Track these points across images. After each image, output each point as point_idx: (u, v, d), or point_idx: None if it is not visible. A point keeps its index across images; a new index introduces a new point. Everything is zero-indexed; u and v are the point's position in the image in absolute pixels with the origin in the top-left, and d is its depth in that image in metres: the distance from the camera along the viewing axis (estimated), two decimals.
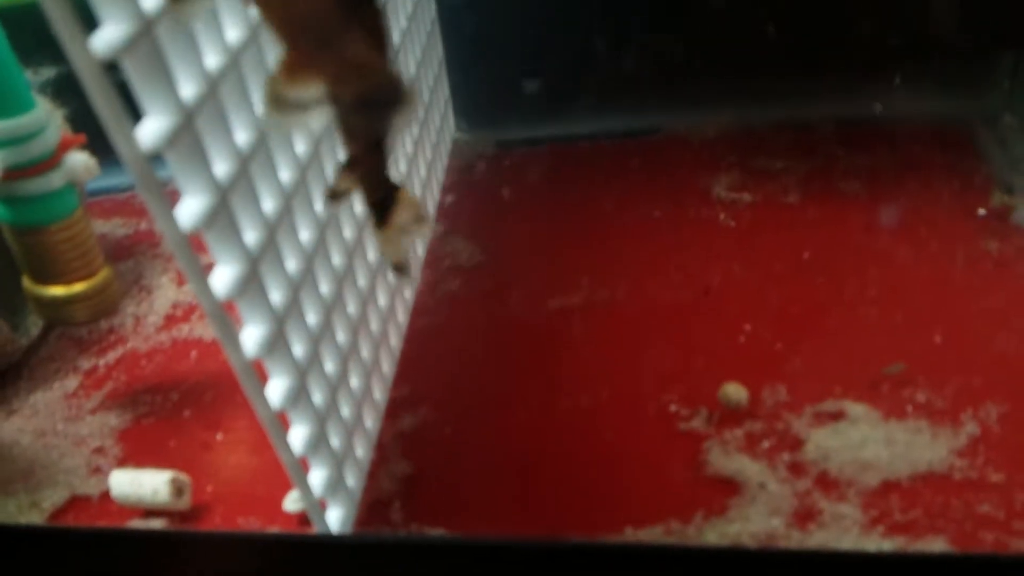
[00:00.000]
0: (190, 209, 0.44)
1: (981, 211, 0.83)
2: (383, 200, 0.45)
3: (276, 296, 0.52)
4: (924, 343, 0.69)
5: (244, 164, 0.48)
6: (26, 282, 0.68)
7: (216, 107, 0.45)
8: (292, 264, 0.55)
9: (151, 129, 0.41)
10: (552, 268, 0.83)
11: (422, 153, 0.86)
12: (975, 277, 0.75)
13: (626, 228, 0.88)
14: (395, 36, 0.78)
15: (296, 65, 0.38)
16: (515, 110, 1.05)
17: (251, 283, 0.49)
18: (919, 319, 0.71)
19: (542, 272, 0.83)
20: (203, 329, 0.82)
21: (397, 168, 0.76)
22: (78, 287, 0.67)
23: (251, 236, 0.49)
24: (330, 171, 0.61)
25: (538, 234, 0.89)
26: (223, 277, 0.47)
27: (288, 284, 0.53)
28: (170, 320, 0.84)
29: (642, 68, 1.00)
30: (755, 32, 0.96)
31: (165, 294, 0.87)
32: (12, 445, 0.70)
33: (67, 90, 0.81)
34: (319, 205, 0.58)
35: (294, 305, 0.54)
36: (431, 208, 0.90)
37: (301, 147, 0.57)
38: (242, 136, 0.49)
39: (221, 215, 0.45)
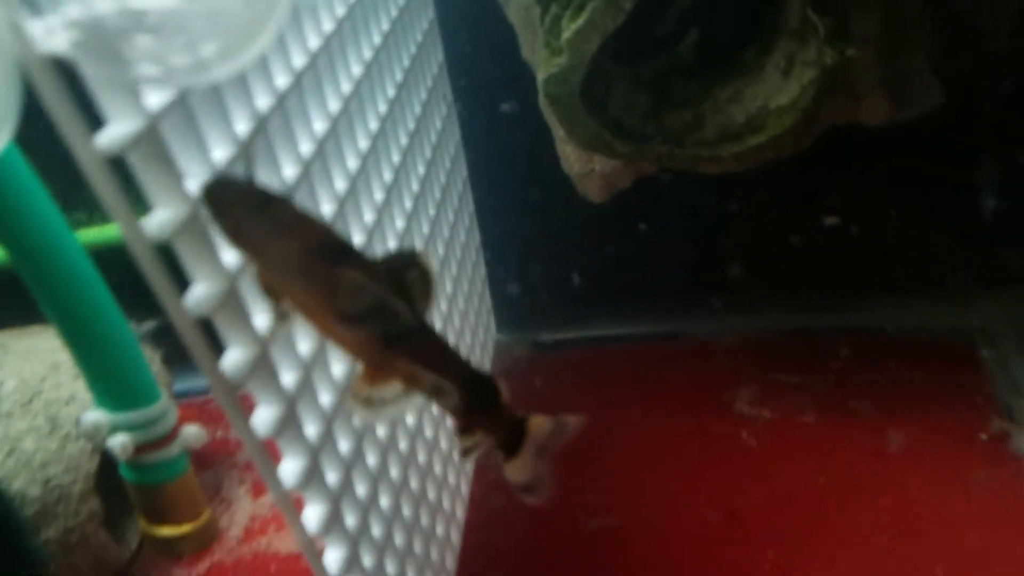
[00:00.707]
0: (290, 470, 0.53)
1: (983, 436, 0.91)
2: (512, 436, 0.48)
3: (368, 560, 0.62)
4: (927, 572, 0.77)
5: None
6: (142, 522, 0.79)
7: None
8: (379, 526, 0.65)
9: (233, 360, 0.46)
10: (588, 483, 0.91)
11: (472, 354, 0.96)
12: (976, 508, 0.82)
13: (654, 443, 0.95)
14: (451, 261, 0.89)
15: (370, 373, 0.43)
16: (549, 314, 1.15)
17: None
18: (925, 552, 0.79)
19: (579, 487, 0.91)
20: (280, 543, 0.92)
21: None
22: (185, 527, 0.79)
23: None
24: None
25: (573, 445, 0.98)
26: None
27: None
28: (249, 533, 0.93)
29: (667, 276, 1.11)
30: (770, 245, 1.06)
31: (243, 507, 0.97)
32: None
33: (161, 337, 0.94)
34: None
35: (384, 552, 0.63)
36: None
37: None
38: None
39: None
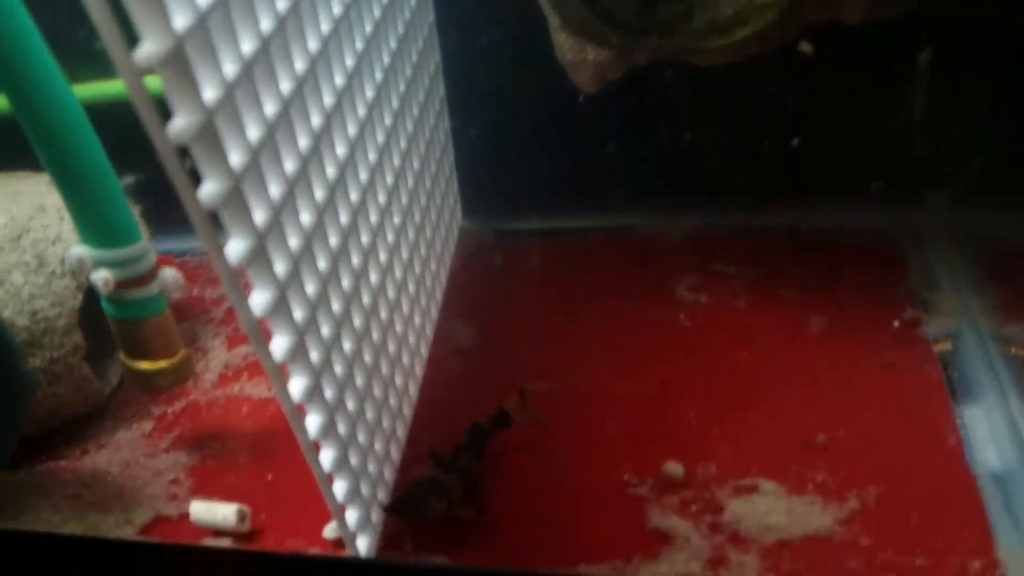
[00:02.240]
0: (259, 300, 0.61)
1: (895, 323, 1.01)
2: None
3: (329, 393, 0.69)
4: (829, 435, 0.86)
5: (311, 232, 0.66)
6: (122, 356, 0.87)
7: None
8: (339, 368, 0.73)
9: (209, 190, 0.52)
10: (535, 354, 1.00)
11: (434, 245, 1.03)
12: (879, 381, 0.91)
13: (603, 321, 1.03)
14: (419, 140, 0.95)
15: None
16: (513, 203, 1.22)
17: (316, 387, 0.66)
18: (828, 416, 0.88)
19: (526, 357, 0.99)
20: (252, 388, 1.00)
21: (413, 261, 0.94)
22: (162, 363, 0.87)
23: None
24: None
25: (526, 321, 1.05)
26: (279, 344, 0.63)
27: (337, 382, 0.71)
28: (223, 379, 1.02)
29: (623, 172, 1.17)
30: (721, 146, 1.12)
31: (218, 356, 1.05)
32: (105, 473, 0.88)
33: (141, 192, 1.00)
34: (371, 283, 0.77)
35: (340, 399, 0.71)
36: (438, 294, 1.08)
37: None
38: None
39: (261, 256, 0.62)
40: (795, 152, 1.09)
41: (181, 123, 0.50)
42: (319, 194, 0.68)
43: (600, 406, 0.92)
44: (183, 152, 0.50)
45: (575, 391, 0.94)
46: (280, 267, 0.61)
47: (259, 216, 0.58)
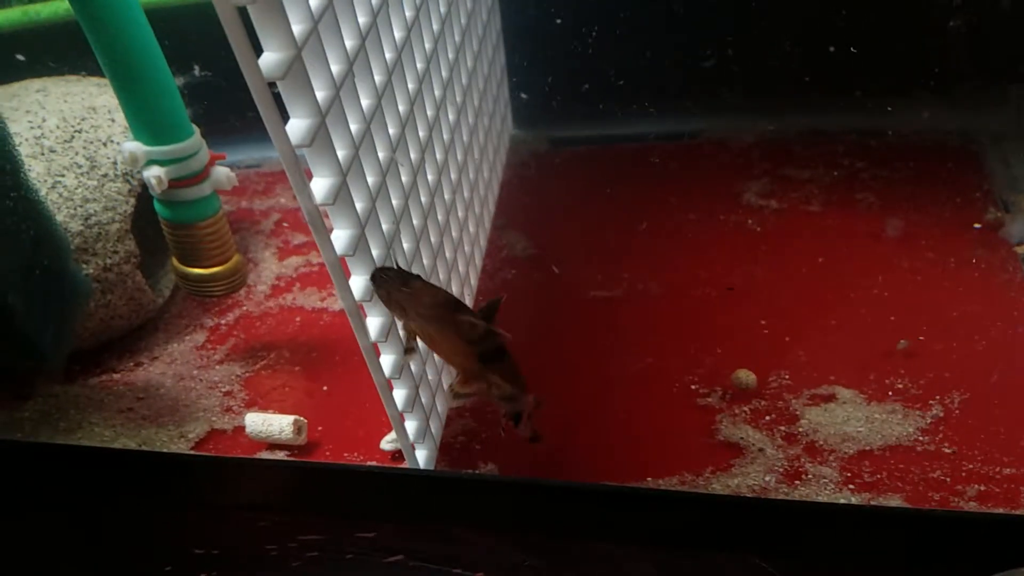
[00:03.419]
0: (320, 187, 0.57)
1: (976, 225, 0.95)
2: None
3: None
4: (910, 341, 0.82)
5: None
6: (174, 262, 0.84)
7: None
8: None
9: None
10: (595, 263, 0.96)
11: (486, 152, 0.99)
12: (960, 285, 0.87)
13: (663, 228, 1.00)
14: (470, 49, 0.91)
15: (462, 381, 0.65)
16: (568, 111, 1.16)
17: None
18: (907, 321, 0.84)
19: (586, 266, 0.95)
20: (304, 299, 0.98)
21: (467, 165, 0.90)
22: (216, 269, 0.84)
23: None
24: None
25: (585, 230, 1.02)
26: (358, 283, 0.61)
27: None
28: (276, 289, 1.00)
29: (687, 77, 1.12)
30: (791, 49, 1.06)
31: (269, 267, 1.03)
32: (158, 386, 0.87)
33: (190, 95, 0.97)
34: (423, 197, 0.74)
35: None
36: (491, 203, 1.04)
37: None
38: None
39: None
40: (867, 48, 1.03)
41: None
42: (378, 78, 0.64)
43: (665, 314, 0.89)
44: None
45: (637, 300, 0.91)
46: (341, 152, 0.58)
47: (320, 95, 0.55)
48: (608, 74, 1.13)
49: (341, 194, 0.57)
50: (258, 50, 0.49)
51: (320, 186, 0.56)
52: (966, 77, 1.03)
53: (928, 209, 0.97)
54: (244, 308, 0.97)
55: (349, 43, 0.59)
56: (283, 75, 0.48)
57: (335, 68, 0.57)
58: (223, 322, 0.96)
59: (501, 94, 1.09)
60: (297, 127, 0.53)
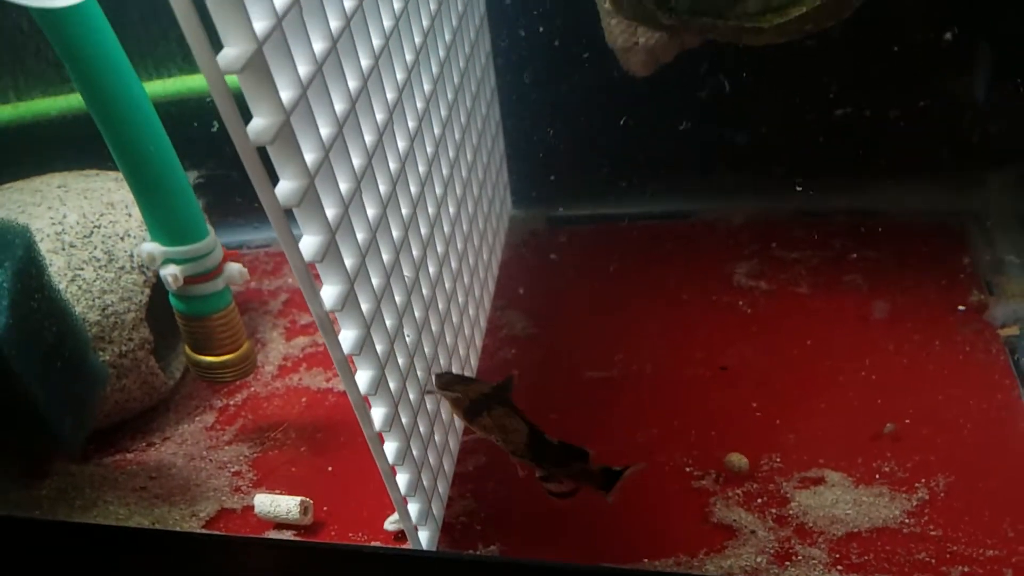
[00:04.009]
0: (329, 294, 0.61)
1: (961, 307, 0.98)
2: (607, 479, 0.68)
3: (393, 384, 0.70)
4: (896, 424, 0.84)
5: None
6: (187, 350, 0.88)
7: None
8: (402, 360, 0.73)
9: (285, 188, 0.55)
10: (592, 343, 0.98)
11: (485, 236, 1.02)
12: (946, 367, 0.89)
13: (658, 309, 1.02)
14: (471, 132, 0.95)
15: (465, 422, 0.71)
16: (565, 191, 1.20)
17: (380, 376, 0.67)
18: (894, 404, 0.86)
19: (583, 346, 0.98)
20: (310, 379, 1.01)
21: (467, 250, 0.94)
22: (227, 357, 0.88)
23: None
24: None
25: (582, 309, 1.05)
26: (363, 377, 0.65)
27: (400, 374, 0.71)
28: (283, 370, 1.03)
29: (679, 157, 1.14)
30: (780, 133, 1.10)
31: (276, 347, 1.06)
32: (170, 466, 0.90)
33: (201, 187, 1.02)
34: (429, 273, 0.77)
35: (404, 390, 0.72)
36: (491, 285, 1.07)
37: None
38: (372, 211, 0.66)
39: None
40: (857, 134, 1.07)
41: (261, 124, 0.52)
42: (383, 188, 0.68)
43: (659, 395, 0.92)
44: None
45: (632, 381, 0.94)
46: (349, 261, 0.62)
47: (331, 212, 0.58)
48: (604, 155, 1.17)
49: (348, 299, 0.61)
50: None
51: (329, 294, 0.60)
52: (948, 161, 1.07)
53: (914, 291, 1.00)
54: (252, 389, 1.00)
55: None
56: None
57: (343, 184, 0.60)
58: (232, 403, 0.99)
59: (500, 178, 1.13)
60: (310, 244, 0.56)
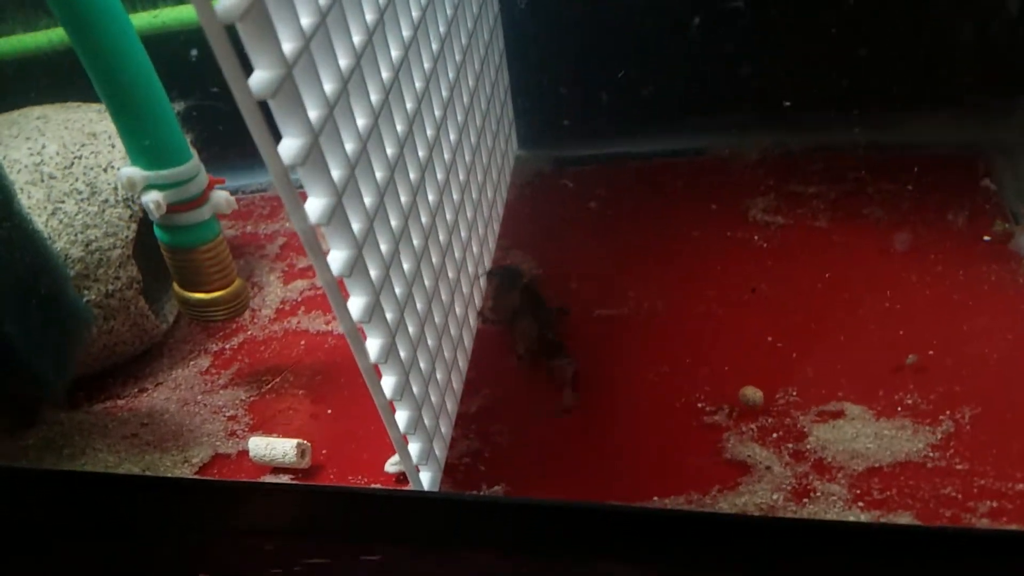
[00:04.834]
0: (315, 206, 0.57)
1: (986, 237, 0.94)
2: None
3: (390, 315, 0.66)
4: (919, 356, 0.81)
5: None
6: (176, 288, 0.84)
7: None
8: (400, 289, 0.69)
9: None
10: (601, 281, 0.95)
11: (490, 172, 0.99)
12: (971, 298, 0.86)
13: (669, 246, 0.99)
14: (472, 68, 0.91)
15: None
16: (573, 130, 1.16)
17: (375, 306, 0.63)
18: (917, 335, 0.83)
19: (592, 285, 0.95)
20: (308, 322, 0.98)
21: (469, 185, 0.90)
22: (217, 294, 0.84)
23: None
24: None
25: (590, 249, 1.01)
26: (357, 303, 0.61)
27: (398, 305, 0.68)
28: (280, 313, 0.99)
29: (690, 93, 1.11)
30: (792, 64, 1.06)
31: (274, 291, 1.03)
32: (163, 412, 0.87)
33: (191, 120, 0.98)
34: (424, 218, 0.73)
35: (401, 321, 0.68)
36: (496, 224, 1.03)
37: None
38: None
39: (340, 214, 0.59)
40: (873, 61, 1.03)
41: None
42: (362, 122, 0.64)
43: (671, 332, 0.88)
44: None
45: (643, 318, 0.90)
46: (336, 173, 0.58)
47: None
48: (612, 92, 1.12)
49: (337, 215, 0.57)
50: (250, 69, 0.49)
51: (316, 206, 0.56)
52: (973, 89, 1.02)
53: (936, 223, 0.95)
54: (249, 332, 0.97)
55: (343, 62, 0.58)
56: (273, 94, 0.48)
57: (328, 87, 0.57)
58: (228, 347, 0.95)
59: (505, 114, 1.09)
60: (289, 147, 0.52)
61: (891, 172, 1.03)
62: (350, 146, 0.59)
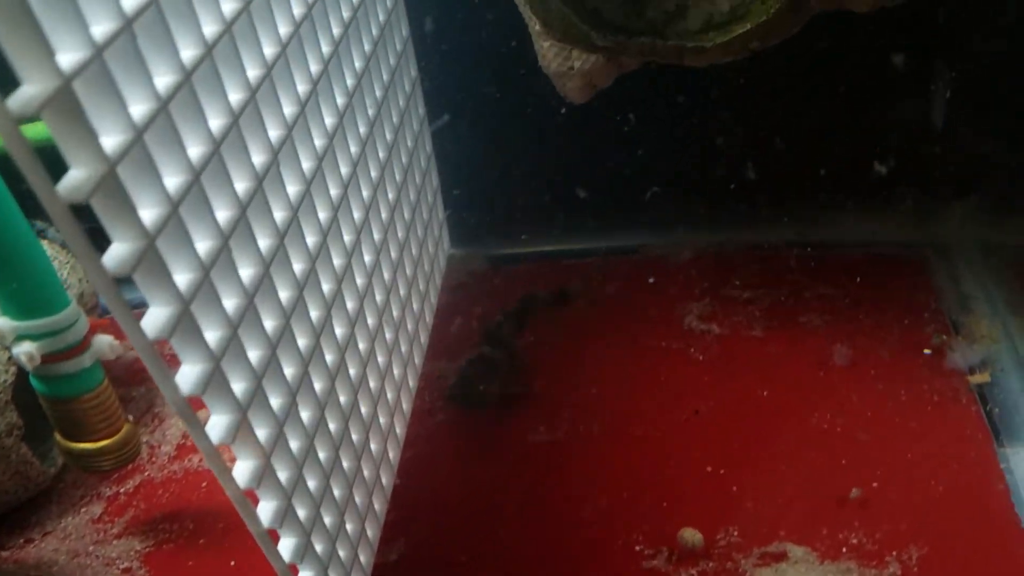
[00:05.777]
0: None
1: (926, 351, 0.91)
2: None
3: (284, 474, 0.60)
4: (863, 488, 0.76)
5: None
6: (58, 437, 0.77)
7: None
8: (297, 441, 0.63)
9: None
10: (531, 400, 0.90)
11: (421, 270, 0.94)
12: (913, 420, 0.83)
13: (604, 357, 0.95)
14: (396, 173, 0.86)
15: None
16: (505, 228, 1.13)
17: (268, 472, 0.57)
18: (860, 463, 0.79)
19: (521, 405, 0.90)
20: None
21: (397, 291, 0.85)
22: (104, 443, 0.76)
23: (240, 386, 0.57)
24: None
25: (521, 360, 0.97)
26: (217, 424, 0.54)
27: (295, 464, 0.62)
28: (181, 449, 0.91)
29: (623, 192, 1.08)
30: (729, 162, 1.04)
31: (176, 424, 0.94)
32: (51, 564, 0.79)
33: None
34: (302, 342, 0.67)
35: (301, 478, 0.62)
36: (423, 334, 0.97)
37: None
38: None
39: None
40: (810, 161, 1.01)
41: (77, 176, 0.41)
42: (278, 215, 0.59)
43: (609, 458, 0.84)
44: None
45: (580, 443, 0.86)
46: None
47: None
48: (543, 188, 1.10)
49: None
50: None
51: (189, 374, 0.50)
52: (912, 187, 1.01)
53: (874, 332, 0.93)
54: (146, 473, 0.89)
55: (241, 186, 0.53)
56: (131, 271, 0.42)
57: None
58: (122, 491, 0.88)
59: (435, 213, 1.04)
60: (155, 316, 0.46)
61: (828, 274, 1.01)
62: (231, 302, 0.54)
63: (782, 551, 0.72)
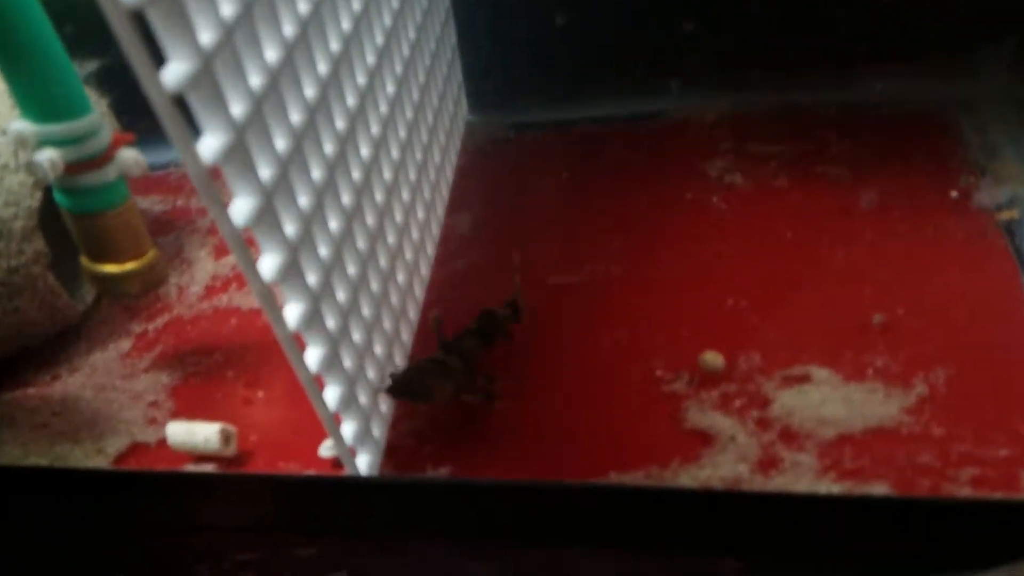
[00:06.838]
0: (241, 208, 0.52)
1: (953, 193, 0.90)
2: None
3: (312, 278, 0.60)
4: (887, 315, 0.76)
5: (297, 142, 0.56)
6: (83, 260, 0.76)
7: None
8: (324, 250, 0.63)
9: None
10: (555, 248, 0.90)
11: (437, 137, 0.93)
12: (939, 255, 0.82)
13: (626, 210, 0.94)
14: (410, 30, 0.85)
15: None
16: (526, 94, 1.11)
17: (292, 266, 0.57)
18: (883, 293, 0.78)
19: (545, 252, 0.90)
20: (241, 299, 0.91)
21: (413, 154, 0.84)
22: (129, 265, 0.76)
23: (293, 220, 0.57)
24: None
25: (544, 215, 0.97)
26: (269, 262, 0.55)
27: (322, 266, 0.62)
28: (210, 290, 0.93)
29: (647, 55, 1.06)
30: (754, 23, 1.01)
31: (204, 267, 0.96)
32: (77, 399, 0.80)
33: (109, 81, 0.90)
34: (355, 173, 0.67)
35: (327, 286, 0.62)
36: (444, 191, 0.97)
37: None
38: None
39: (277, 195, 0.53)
40: (833, 18, 0.98)
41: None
42: (309, 92, 0.59)
43: (628, 298, 0.83)
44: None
45: (599, 285, 0.85)
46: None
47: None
48: (565, 53, 1.07)
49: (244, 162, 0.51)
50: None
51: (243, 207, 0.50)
52: (935, 46, 0.98)
53: (901, 179, 0.91)
54: (175, 312, 0.90)
55: (270, 54, 0.52)
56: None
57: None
58: (151, 328, 0.88)
59: (453, 77, 1.03)
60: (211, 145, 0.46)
61: (854, 131, 0.99)
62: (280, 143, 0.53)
63: (805, 373, 0.72)
